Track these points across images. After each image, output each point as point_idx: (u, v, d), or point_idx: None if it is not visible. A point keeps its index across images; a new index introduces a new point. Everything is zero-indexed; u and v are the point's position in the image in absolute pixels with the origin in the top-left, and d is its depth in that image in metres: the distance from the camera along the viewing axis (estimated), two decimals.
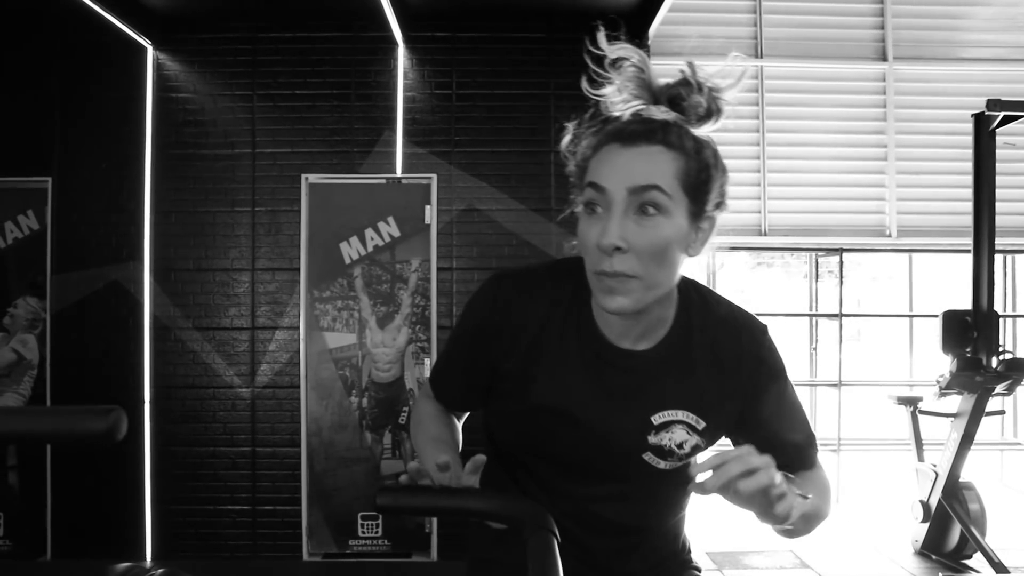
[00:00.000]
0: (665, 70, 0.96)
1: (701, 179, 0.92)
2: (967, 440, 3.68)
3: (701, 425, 1.01)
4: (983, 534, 3.60)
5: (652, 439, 1.01)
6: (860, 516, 4.54)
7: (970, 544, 3.61)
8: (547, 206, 3.91)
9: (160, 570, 0.69)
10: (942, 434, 3.89)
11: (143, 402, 3.84)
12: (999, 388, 3.66)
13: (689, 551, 1.19)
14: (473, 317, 1.08)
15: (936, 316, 3.85)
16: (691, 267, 0.99)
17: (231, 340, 3.88)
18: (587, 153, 0.98)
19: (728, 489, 0.82)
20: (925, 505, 3.80)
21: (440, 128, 3.93)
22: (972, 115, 3.78)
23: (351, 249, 3.81)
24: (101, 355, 3.83)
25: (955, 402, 3.82)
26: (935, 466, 3.82)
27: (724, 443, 1.06)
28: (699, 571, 1.19)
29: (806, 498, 0.89)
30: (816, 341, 5.65)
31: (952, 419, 3.82)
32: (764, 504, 0.84)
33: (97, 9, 3.44)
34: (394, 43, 3.91)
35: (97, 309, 3.84)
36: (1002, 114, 3.65)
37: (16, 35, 3.87)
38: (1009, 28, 4.92)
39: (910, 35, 4.90)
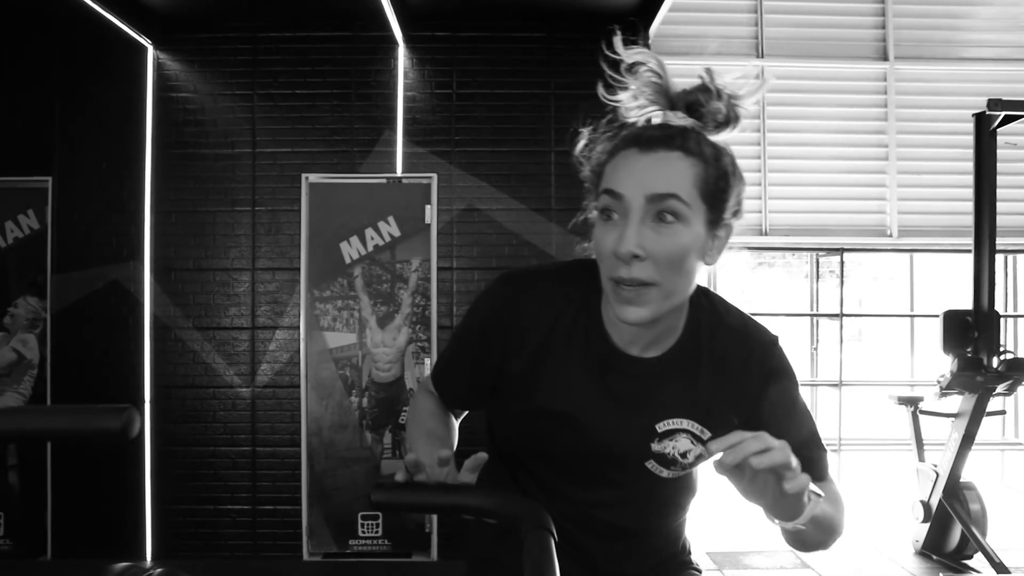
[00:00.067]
0: (678, 71, 0.95)
1: (719, 187, 0.91)
2: (968, 440, 3.68)
3: (706, 435, 1.00)
4: (984, 534, 3.59)
5: (656, 447, 1.00)
6: (861, 516, 4.53)
7: (971, 544, 3.60)
8: (547, 206, 3.91)
9: (159, 570, 0.69)
10: (943, 434, 3.88)
11: (143, 402, 3.84)
12: (1000, 388, 3.66)
13: (689, 552, 1.19)
14: (480, 316, 1.07)
15: (937, 316, 3.85)
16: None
17: (231, 340, 3.88)
18: (602, 158, 0.96)
19: (743, 472, 0.80)
20: (926, 505, 3.80)
21: (440, 128, 3.93)
22: (973, 115, 3.78)
23: (351, 249, 3.81)
24: (101, 355, 3.83)
25: (956, 402, 3.81)
26: (936, 466, 3.81)
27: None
28: (699, 572, 1.18)
29: (819, 495, 0.88)
30: (817, 341, 5.65)
31: (953, 419, 3.81)
32: (776, 493, 0.82)
33: (97, 9, 3.44)
34: (394, 43, 3.91)
35: (97, 309, 3.84)
36: (1003, 114, 3.64)
37: (16, 35, 3.87)
38: (1010, 28, 4.92)
39: (911, 35, 4.89)
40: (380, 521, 3.79)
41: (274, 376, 3.87)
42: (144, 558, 3.81)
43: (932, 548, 3.80)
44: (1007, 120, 3.68)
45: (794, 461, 0.79)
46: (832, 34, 4.88)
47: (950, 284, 5.66)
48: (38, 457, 3.76)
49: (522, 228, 3.90)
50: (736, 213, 0.95)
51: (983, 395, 3.65)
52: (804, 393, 1.07)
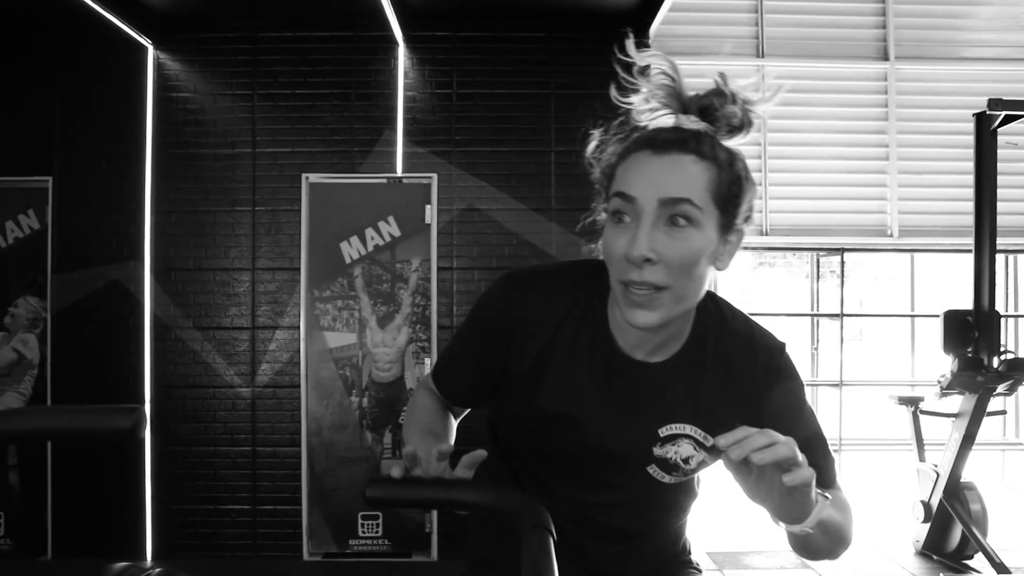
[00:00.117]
0: (690, 73, 0.94)
1: (732, 191, 0.90)
2: (968, 440, 3.67)
3: (709, 441, 0.99)
4: (984, 534, 3.59)
5: (658, 451, 1.00)
6: (861, 516, 4.53)
7: (971, 544, 3.60)
8: (547, 206, 3.91)
9: (158, 569, 0.68)
10: (943, 434, 3.88)
11: (143, 401, 3.84)
12: (1000, 388, 3.65)
13: (689, 551, 1.18)
14: (485, 315, 1.06)
15: (937, 316, 3.85)
16: None
17: (231, 339, 3.88)
18: (614, 160, 0.95)
19: (750, 470, 0.80)
20: (926, 505, 3.80)
21: (440, 128, 3.93)
22: (973, 114, 3.78)
23: (351, 249, 3.81)
24: (102, 354, 3.84)
25: (956, 402, 3.81)
26: (936, 466, 3.81)
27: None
28: (699, 571, 1.18)
29: (827, 498, 0.87)
30: (817, 341, 5.65)
31: (953, 419, 3.81)
32: (783, 494, 0.81)
33: (98, 9, 3.44)
34: (394, 43, 3.91)
35: (98, 308, 3.84)
36: (1003, 113, 3.64)
37: (17, 35, 3.87)
38: (1011, 28, 4.91)
39: (911, 35, 4.89)
40: (380, 521, 3.79)
41: (274, 376, 3.87)
42: (144, 558, 3.81)
43: (932, 548, 3.80)
44: (1007, 120, 3.68)
45: (800, 456, 0.78)
46: (833, 34, 4.88)
47: (951, 284, 5.66)
48: (38, 457, 3.76)
49: (522, 228, 3.90)
50: (748, 218, 0.94)
51: (983, 395, 3.65)
52: (805, 393, 1.06)
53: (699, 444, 1.00)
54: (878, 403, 4.66)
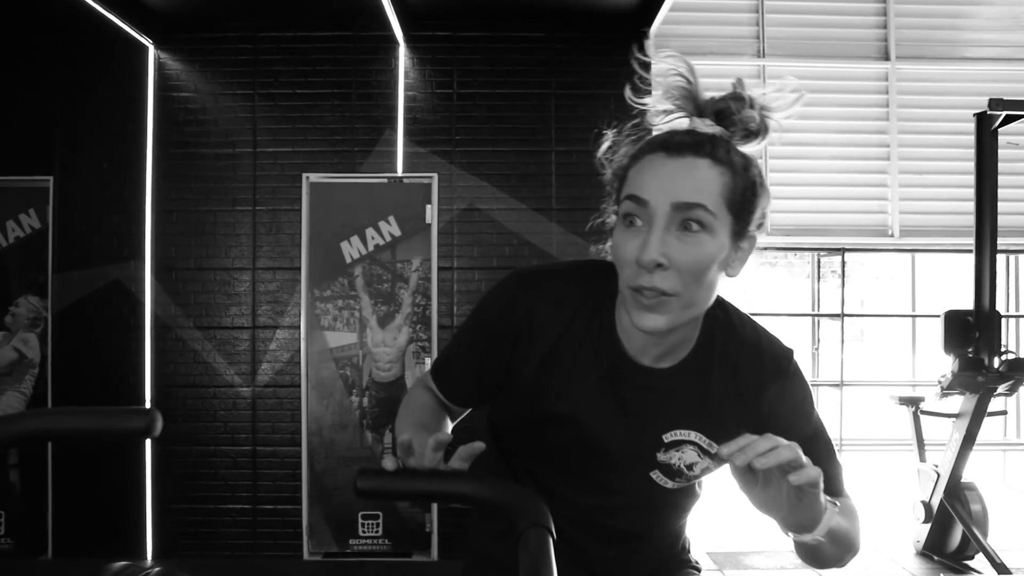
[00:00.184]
0: (706, 75, 0.93)
1: (746, 197, 0.89)
2: (969, 440, 3.67)
3: (713, 448, 0.98)
4: (985, 535, 3.59)
5: (661, 457, 0.99)
6: (861, 516, 4.53)
7: (972, 545, 3.60)
8: (548, 206, 3.91)
9: (157, 569, 0.68)
10: (944, 434, 3.88)
11: (144, 401, 3.84)
12: (1001, 388, 3.65)
13: (688, 550, 1.18)
14: (490, 314, 1.03)
15: (938, 316, 3.84)
16: None
17: (232, 339, 3.88)
18: (626, 162, 0.93)
19: (756, 479, 0.79)
20: (927, 506, 3.79)
21: (441, 127, 3.93)
22: (974, 114, 3.77)
23: (352, 248, 3.81)
24: (102, 354, 3.84)
25: (957, 402, 3.80)
26: (937, 466, 3.81)
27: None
28: (698, 571, 1.18)
29: (835, 505, 0.86)
30: (818, 341, 5.65)
31: (954, 419, 3.81)
32: (792, 501, 0.81)
33: (98, 8, 3.44)
34: (395, 42, 3.91)
35: (98, 308, 3.84)
36: (1004, 113, 3.64)
37: (18, 34, 3.87)
38: (1011, 27, 4.91)
39: (912, 34, 4.88)
40: (381, 521, 3.79)
41: (275, 375, 3.87)
42: (145, 557, 3.81)
43: (933, 549, 3.79)
44: (1008, 120, 3.68)
45: (805, 459, 0.77)
46: (833, 34, 4.88)
47: (952, 284, 5.66)
48: (39, 456, 3.76)
49: (523, 228, 3.90)
50: (761, 225, 0.93)
51: (984, 395, 3.65)
52: (812, 400, 1.04)
53: (703, 451, 0.99)
54: (879, 403, 4.66)
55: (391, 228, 3.82)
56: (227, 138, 3.91)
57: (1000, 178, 3.79)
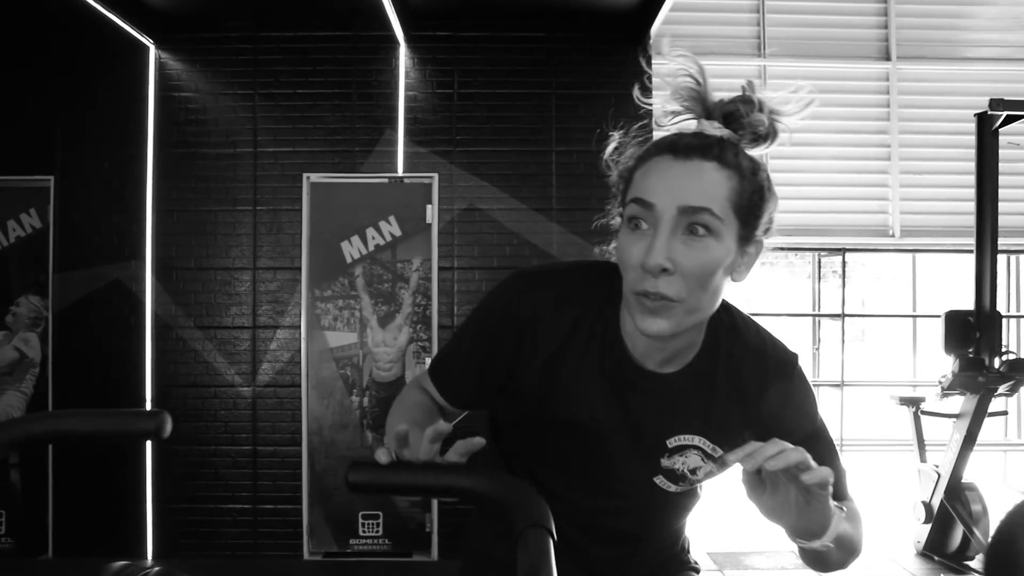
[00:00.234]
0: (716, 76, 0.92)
1: (753, 202, 0.88)
2: (969, 441, 3.67)
3: (717, 452, 0.98)
4: (985, 535, 3.58)
5: (665, 462, 0.99)
6: (862, 517, 4.52)
7: (972, 545, 3.60)
8: (548, 206, 3.91)
9: (156, 568, 0.68)
10: (945, 435, 3.87)
11: (144, 401, 3.85)
12: (1002, 389, 3.65)
13: (688, 551, 1.18)
14: (493, 314, 1.01)
15: (939, 316, 3.84)
16: None
17: (232, 339, 3.89)
18: (632, 163, 0.92)
19: (764, 486, 0.79)
20: (927, 506, 3.79)
21: (441, 127, 3.93)
22: (975, 115, 3.77)
23: (352, 248, 3.81)
24: (103, 354, 3.84)
25: (957, 403, 3.80)
26: (937, 467, 3.80)
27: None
28: (697, 572, 1.18)
29: (842, 510, 0.86)
30: (819, 341, 5.64)
31: (954, 420, 3.81)
32: (800, 507, 0.80)
33: (99, 8, 3.45)
34: (395, 42, 3.91)
35: (99, 308, 3.84)
36: (1005, 113, 3.63)
37: (19, 34, 3.87)
38: (1013, 28, 4.90)
39: (913, 34, 4.88)
40: (381, 521, 3.79)
41: (275, 375, 3.88)
42: (145, 557, 3.82)
43: (934, 549, 3.79)
44: (1009, 120, 3.68)
45: (813, 462, 0.77)
46: (834, 34, 4.87)
47: (952, 284, 5.65)
48: (39, 456, 3.77)
49: (523, 228, 3.90)
50: (768, 230, 0.91)
51: (985, 396, 3.65)
52: (816, 405, 1.04)
53: (707, 455, 0.98)
54: (879, 403, 4.66)
55: (392, 228, 3.83)
56: (228, 138, 3.91)
57: (1001, 178, 3.79)
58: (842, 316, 5.28)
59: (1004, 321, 3.90)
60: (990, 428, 4.17)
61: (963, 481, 3.72)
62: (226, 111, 3.91)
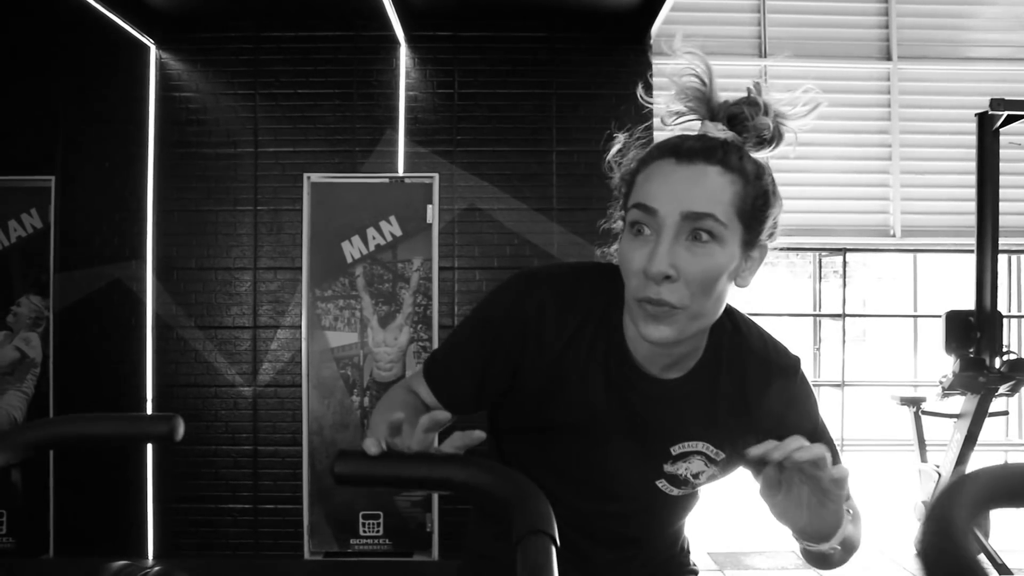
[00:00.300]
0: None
1: (757, 206, 0.86)
2: (970, 441, 3.67)
3: (720, 457, 0.98)
4: (986, 535, 3.58)
5: (668, 468, 0.98)
6: (863, 517, 4.52)
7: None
8: (549, 206, 3.91)
9: (156, 568, 0.69)
10: (945, 435, 3.87)
11: (145, 401, 3.85)
12: (1002, 389, 3.65)
13: (687, 552, 1.18)
14: (496, 313, 0.99)
15: (939, 316, 3.84)
16: None
17: (233, 339, 3.89)
18: (634, 166, 0.91)
19: (779, 487, 0.80)
20: (928, 506, 3.79)
21: (442, 127, 3.93)
22: (976, 114, 3.77)
23: (353, 248, 3.82)
24: (104, 353, 3.84)
25: (958, 403, 3.80)
26: (938, 467, 3.80)
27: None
28: (695, 573, 1.18)
29: (849, 512, 0.86)
30: (819, 341, 5.64)
31: (955, 420, 3.80)
32: (813, 506, 0.81)
33: (100, 8, 3.45)
34: (396, 42, 3.91)
35: (100, 307, 3.85)
36: (1006, 113, 3.63)
37: (20, 34, 3.88)
38: (1014, 27, 4.90)
39: (914, 34, 4.88)
40: (381, 521, 3.79)
41: (276, 375, 3.88)
42: (146, 556, 3.82)
43: None
44: (1010, 120, 3.67)
45: (830, 460, 0.78)
46: (835, 34, 4.87)
47: (954, 284, 5.65)
48: (40, 456, 3.77)
49: (524, 228, 3.90)
50: (772, 235, 0.90)
51: (985, 396, 3.64)
52: (818, 409, 1.05)
53: (710, 460, 0.98)
54: (880, 403, 4.66)
55: (392, 228, 3.83)
56: (228, 138, 3.91)
57: (1002, 178, 3.79)
58: (843, 316, 5.28)
59: (1005, 321, 3.89)
60: (991, 428, 4.17)
61: None
62: (227, 111, 3.92)
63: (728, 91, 0.92)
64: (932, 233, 4.90)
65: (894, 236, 4.89)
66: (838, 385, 5.28)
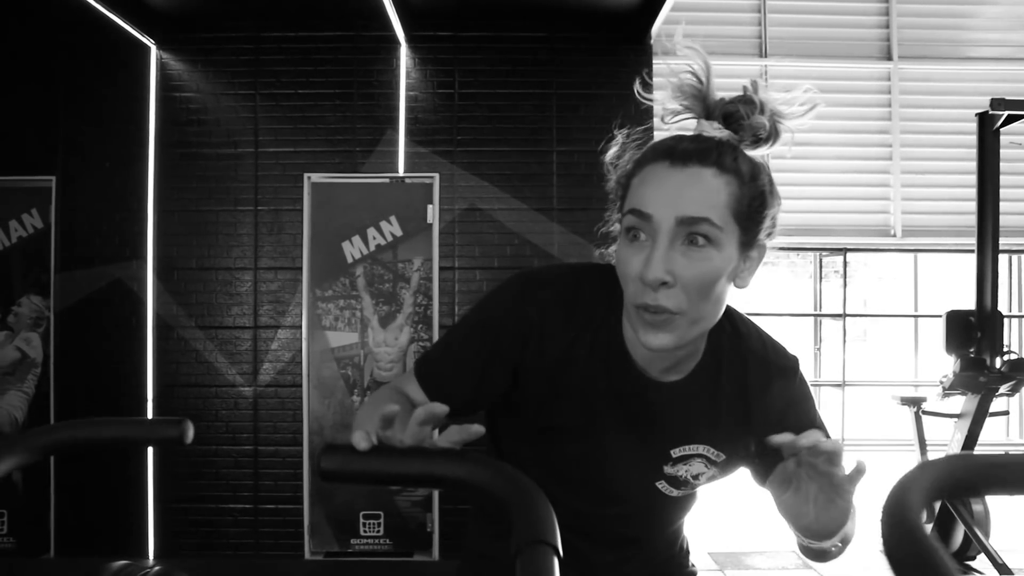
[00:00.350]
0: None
1: (754, 207, 0.86)
2: (971, 441, 3.66)
3: (720, 458, 0.98)
4: (987, 535, 3.58)
5: (668, 470, 0.98)
6: (863, 517, 4.53)
7: (974, 545, 3.59)
8: (549, 206, 3.91)
9: (156, 568, 0.69)
10: (946, 435, 3.87)
11: (146, 401, 3.85)
12: (1003, 389, 3.65)
13: (687, 553, 1.18)
14: (497, 313, 0.98)
15: (940, 316, 3.84)
16: None
17: (234, 339, 3.89)
18: (629, 169, 0.90)
19: (791, 482, 0.81)
20: (929, 506, 3.79)
21: (442, 127, 3.93)
22: (976, 114, 3.77)
23: (353, 248, 3.82)
24: (104, 353, 3.84)
25: (959, 403, 3.80)
26: None
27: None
28: (694, 574, 1.18)
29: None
30: (820, 341, 5.64)
31: (956, 420, 3.80)
32: (821, 502, 0.82)
33: (101, 8, 3.45)
34: (396, 42, 3.91)
35: (100, 308, 3.85)
36: (1006, 113, 3.63)
37: (20, 34, 3.88)
38: (1014, 27, 4.90)
39: (915, 34, 4.88)
40: (382, 521, 3.79)
41: (276, 375, 3.88)
42: (146, 556, 3.82)
43: None
44: (1010, 120, 3.67)
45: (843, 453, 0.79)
46: (836, 33, 4.87)
47: (954, 284, 5.65)
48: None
49: (524, 228, 3.90)
50: (771, 234, 0.89)
51: (986, 396, 3.64)
52: (816, 410, 1.05)
53: (710, 462, 0.98)
54: (881, 403, 4.66)
55: (392, 228, 3.83)
56: (229, 138, 3.91)
57: (1002, 178, 3.78)
58: (843, 316, 5.28)
59: (1005, 321, 3.89)
60: (991, 428, 4.16)
61: None
62: (227, 111, 3.92)
63: (727, 91, 0.92)
64: (932, 233, 4.91)
65: (895, 236, 4.89)
66: (839, 385, 5.28)
